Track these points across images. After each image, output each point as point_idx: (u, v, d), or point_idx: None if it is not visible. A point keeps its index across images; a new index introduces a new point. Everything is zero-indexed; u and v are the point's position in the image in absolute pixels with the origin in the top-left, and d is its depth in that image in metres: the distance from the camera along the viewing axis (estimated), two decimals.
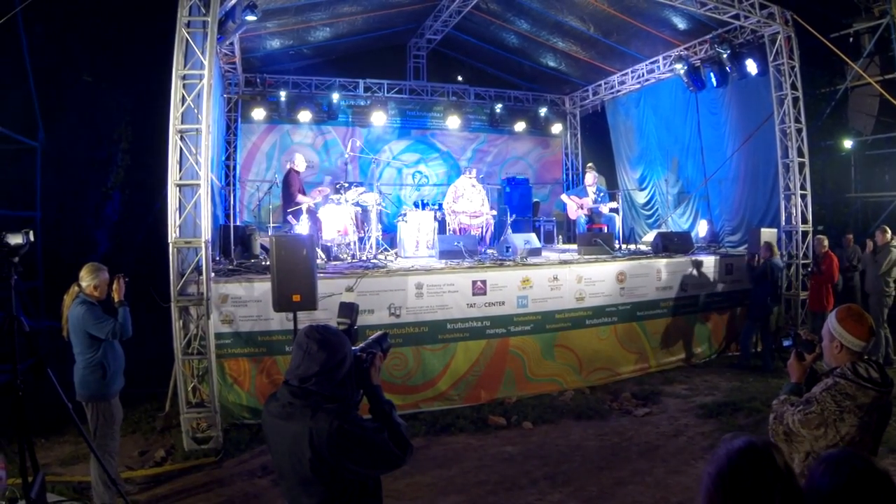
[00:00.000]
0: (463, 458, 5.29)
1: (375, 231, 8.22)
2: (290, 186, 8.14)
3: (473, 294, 6.78)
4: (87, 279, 4.18)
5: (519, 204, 11.70)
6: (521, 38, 11.36)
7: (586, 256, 8.24)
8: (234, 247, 7.26)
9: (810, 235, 8.65)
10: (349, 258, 7.62)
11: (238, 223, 9.36)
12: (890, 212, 10.10)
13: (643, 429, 5.89)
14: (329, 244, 7.77)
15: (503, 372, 6.87)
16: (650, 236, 10.13)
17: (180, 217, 5.48)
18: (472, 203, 9.45)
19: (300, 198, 7.98)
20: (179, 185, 5.53)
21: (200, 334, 5.55)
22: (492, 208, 9.87)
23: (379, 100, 11.92)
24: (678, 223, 11.54)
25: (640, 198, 12.57)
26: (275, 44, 10.48)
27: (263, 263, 6.85)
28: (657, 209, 12.25)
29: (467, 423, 6.05)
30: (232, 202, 10.30)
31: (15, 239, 3.28)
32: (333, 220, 7.89)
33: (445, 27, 11.59)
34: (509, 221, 9.62)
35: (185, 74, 5.53)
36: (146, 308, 5.93)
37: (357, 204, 8.18)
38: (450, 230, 9.31)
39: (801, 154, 8.65)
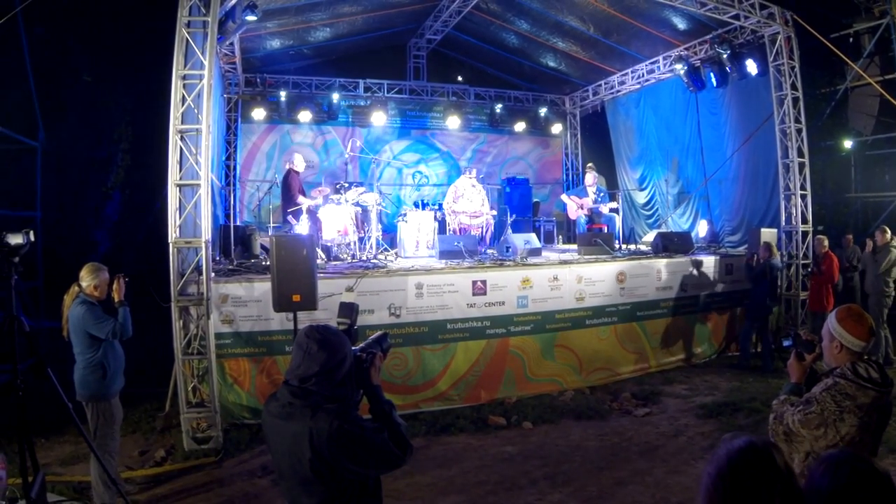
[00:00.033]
0: (463, 458, 5.29)
1: (375, 231, 8.22)
2: (289, 187, 8.13)
3: (473, 294, 6.78)
4: (87, 279, 4.18)
5: (519, 204, 11.70)
6: (521, 39, 11.36)
7: (586, 256, 8.24)
8: (235, 247, 7.26)
9: (810, 235, 8.65)
10: (349, 258, 7.62)
11: (238, 223, 9.36)
12: (890, 212, 10.10)
13: (643, 429, 5.88)
14: (329, 244, 7.77)
15: (503, 372, 6.87)
16: (650, 236, 10.13)
17: (180, 217, 5.48)
18: (472, 203, 9.45)
19: (301, 199, 7.98)
20: (179, 185, 5.52)
21: (200, 334, 5.55)
22: (492, 208, 9.87)
23: (379, 100, 11.92)
24: (678, 223, 11.54)
25: (640, 198, 12.57)
26: (275, 44, 10.49)
27: (263, 263, 6.85)
28: (657, 209, 12.25)
29: (467, 423, 6.05)
30: (232, 202, 10.30)
31: (15, 239, 3.28)
32: (333, 220, 7.89)
33: (445, 27, 11.60)
34: (509, 221, 9.63)
35: (186, 74, 5.53)
36: (146, 308, 5.93)
37: (357, 204, 8.18)
38: (450, 230, 9.31)
39: (801, 154, 8.65)
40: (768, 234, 8.27)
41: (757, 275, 7.79)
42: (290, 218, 7.93)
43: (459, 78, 13.38)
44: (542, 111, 13.09)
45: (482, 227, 9.51)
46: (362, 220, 8.39)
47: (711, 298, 8.45)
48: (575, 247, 9.43)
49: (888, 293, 7.80)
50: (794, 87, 8.58)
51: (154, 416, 6.03)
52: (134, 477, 4.90)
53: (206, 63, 5.52)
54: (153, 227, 9.32)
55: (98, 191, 10.36)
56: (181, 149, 5.52)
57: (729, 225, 10.50)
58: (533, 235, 9.02)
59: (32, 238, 3.37)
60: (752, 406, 6.23)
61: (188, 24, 5.55)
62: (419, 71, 12.76)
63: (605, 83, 12.44)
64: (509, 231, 9.21)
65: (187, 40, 5.52)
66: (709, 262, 8.44)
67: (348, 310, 2.67)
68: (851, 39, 10.85)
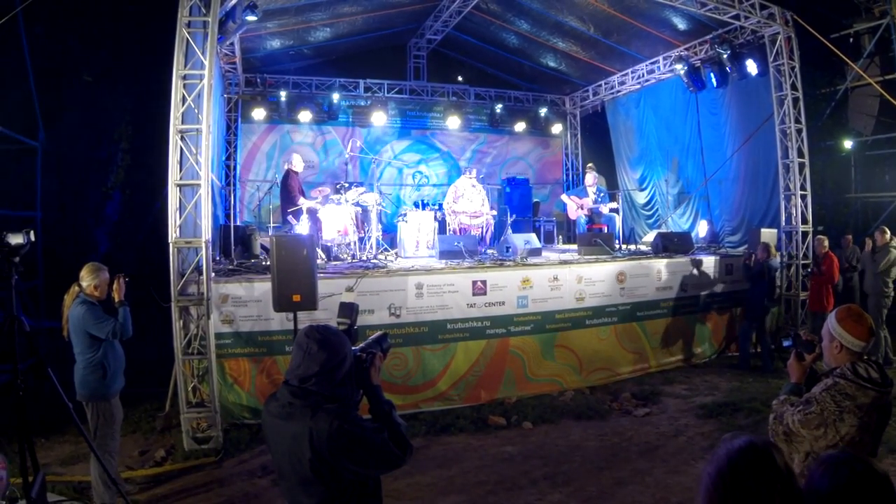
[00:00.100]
0: (463, 458, 5.29)
1: (375, 231, 8.23)
2: (289, 187, 8.14)
3: (473, 294, 6.78)
4: (87, 279, 4.19)
5: (519, 204, 11.71)
6: (522, 39, 11.36)
7: (586, 256, 8.24)
8: (235, 247, 7.27)
9: (810, 236, 8.65)
10: (349, 258, 7.62)
11: (238, 223, 9.37)
12: (890, 212, 10.10)
13: (643, 429, 5.89)
14: (329, 244, 7.78)
15: (503, 372, 6.87)
16: (650, 236, 10.14)
17: (180, 217, 5.49)
18: (472, 203, 9.45)
19: (301, 200, 7.98)
20: (180, 185, 5.53)
21: (200, 334, 5.55)
22: (492, 208, 9.87)
23: (379, 100, 11.92)
24: (678, 223, 11.54)
25: (640, 198, 12.57)
26: (275, 44, 10.49)
27: (264, 263, 6.85)
28: (657, 209, 12.25)
29: (467, 423, 6.06)
30: (232, 202, 10.31)
31: (15, 239, 3.28)
32: (333, 220, 7.89)
33: (445, 27, 11.60)
34: (509, 221, 9.63)
35: (186, 74, 5.53)
36: (146, 308, 5.93)
37: (357, 204, 8.18)
38: (450, 230, 9.31)
39: (801, 154, 8.65)
40: (768, 234, 8.28)
41: (754, 275, 7.80)
42: (290, 218, 7.93)
43: (459, 78, 13.38)
44: (543, 111, 13.09)
45: (482, 228, 9.52)
46: (362, 220, 8.39)
47: (711, 298, 8.46)
48: (575, 247, 9.43)
49: (887, 293, 7.80)
50: (794, 87, 8.58)
51: (154, 416, 6.03)
52: (134, 477, 4.91)
53: (206, 63, 5.52)
54: (153, 227, 9.31)
55: (98, 191, 10.35)
56: (181, 149, 5.53)
57: (729, 225, 10.50)
58: (533, 235, 9.02)
59: (32, 238, 3.37)
60: (752, 406, 6.23)
61: (188, 24, 5.55)
62: (419, 71, 12.76)
63: (606, 83, 12.44)
64: (509, 231, 9.22)
65: (187, 40, 5.52)
66: (709, 263, 8.44)
67: (348, 310, 2.68)
68: (851, 39, 10.86)
